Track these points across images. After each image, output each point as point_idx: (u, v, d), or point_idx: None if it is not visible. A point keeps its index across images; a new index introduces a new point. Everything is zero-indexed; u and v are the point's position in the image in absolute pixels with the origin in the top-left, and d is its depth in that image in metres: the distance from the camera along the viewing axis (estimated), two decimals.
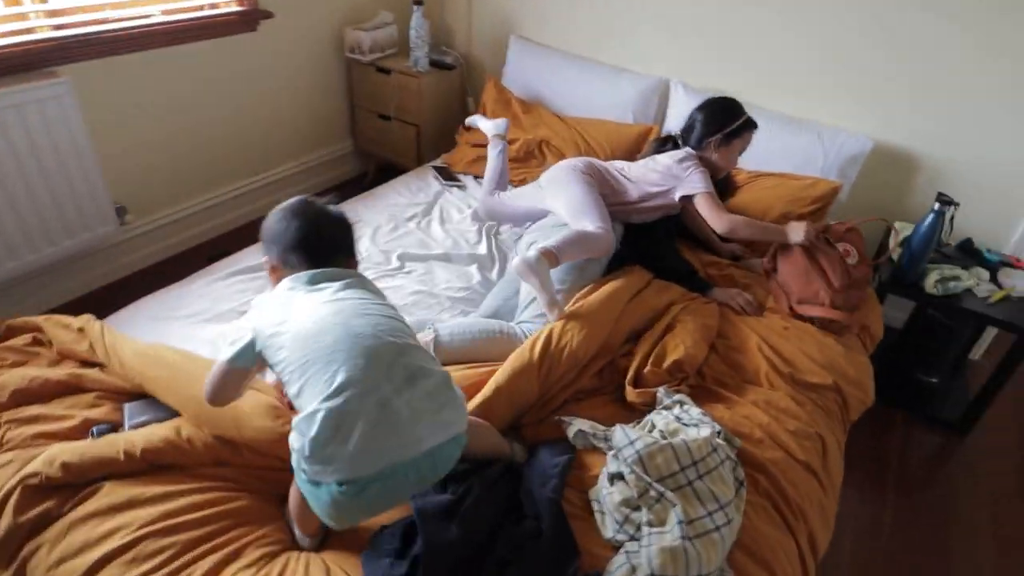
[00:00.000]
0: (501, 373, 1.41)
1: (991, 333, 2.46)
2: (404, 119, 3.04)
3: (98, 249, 2.36)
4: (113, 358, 1.40)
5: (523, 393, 1.41)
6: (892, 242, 2.18)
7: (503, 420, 1.39)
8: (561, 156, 2.56)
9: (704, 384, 1.61)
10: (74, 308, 2.32)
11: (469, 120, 2.55)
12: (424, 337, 1.57)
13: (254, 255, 2.00)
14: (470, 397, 1.39)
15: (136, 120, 2.35)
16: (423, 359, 1.13)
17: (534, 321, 1.68)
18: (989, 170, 2.19)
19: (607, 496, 1.22)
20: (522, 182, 2.54)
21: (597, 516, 1.23)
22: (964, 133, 2.18)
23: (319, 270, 1.17)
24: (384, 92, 3.03)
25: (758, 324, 1.83)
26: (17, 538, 1.10)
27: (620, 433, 1.27)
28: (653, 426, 1.38)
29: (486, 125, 2.42)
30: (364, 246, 2.11)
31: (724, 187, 2.17)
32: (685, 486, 1.18)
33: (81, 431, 1.28)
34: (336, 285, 1.16)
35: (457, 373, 1.44)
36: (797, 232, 1.89)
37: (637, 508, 1.18)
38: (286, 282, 1.17)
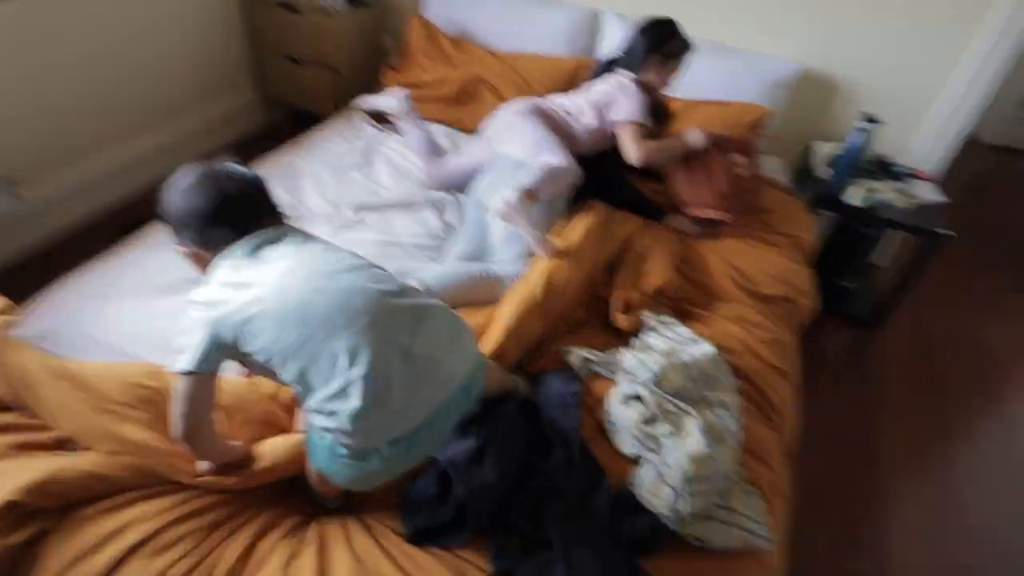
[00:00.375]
0: (508, 315, 1.41)
1: (895, 241, 2.73)
2: (319, 62, 2.83)
3: None
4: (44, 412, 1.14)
5: (530, 332, 1.43)
6: (818, 160, 2.35)
7: (513, 360, 1.40)
8: (498, 94, 2.50)
9: (679, 306, 1.69)
10: None
11: (361, 102, 2.35)
12: None
13: None
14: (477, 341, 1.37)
15: (9, 78, 2.02)
16: (416, 295, 1.10)
17: (514, 261, 1.68)
18: (891, 91, 2.38)
19: (622, 415, 1.27)
20: (458, 122, 2.47)
21: (611, 435, 1.28)
22: (873, 56, 2.35)
23: (252, 237, 1.04)
24: (293, 33, 2.79)
25: (713, 246, 1.93)
26: (8, 558, 0.97)
27: (631, 359, 1.31)
28: (649, 347, 1.44)
29: (387, 103, 2.28)
30: (311, 200, 1.99)
31: (660, 117, 2.22)
32: (699, 400, 1.25)
33: (63, 443, 1.14)
34: (283, 247, 1.05)
35: None
36: (695, 136, 2.01)
37: (652, 422, 1.24)
38: (222, 262, 1.03)
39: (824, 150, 2.38)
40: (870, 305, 2.45)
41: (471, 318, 1.49)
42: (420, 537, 1.08)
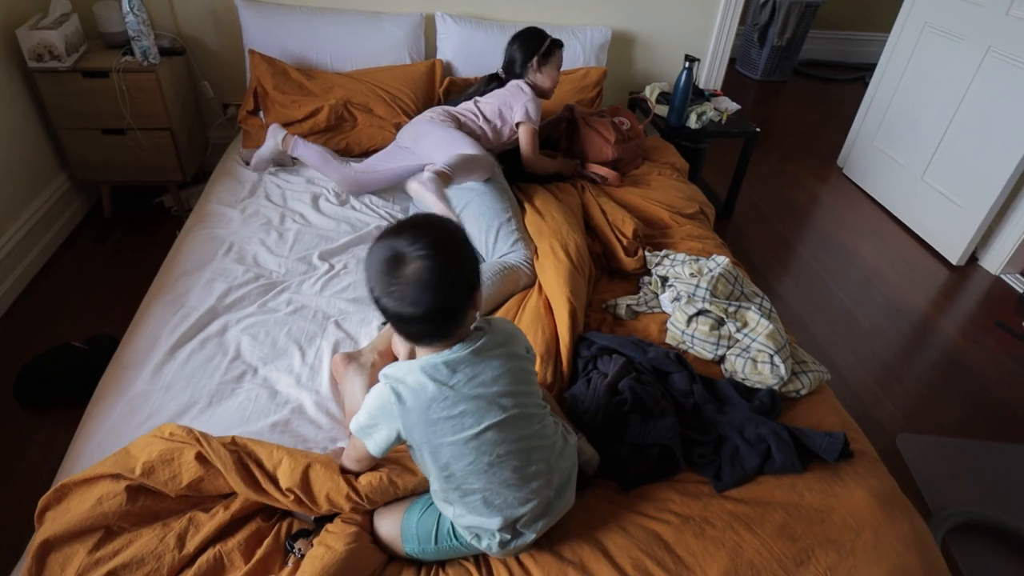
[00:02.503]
0: (561, 290, 1.59)
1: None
2: (148, 126, 2.53)
3: None
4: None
5: (583, 294, 1.64)
6: (650, 99, 2.85)
7: (582, 321, 1.60)
8: (371, 112, 2.54)
9: (649, 241, 2.03)
10: None
11: (246, 156, 2.32)
12: None
13: (149, 332, 1.62)
14: (551, 326, 1.55)
15: None
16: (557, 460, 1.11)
17: (514, 249, 1.84)
18: (676, 37, 2.98)
19: (694, 333, 1.57)
20: (345, 150, 2.47)
21: (691, 351, 1.58)
22: (648, 13, 2.90)
23: (456, 345, 0.99)
24: (105, 101, 2.44)
25: (632, 190, 2.30)
26: None
27: (682, 287, 1.61)
28: (667, 277, 1.76)
29: (271, 147, 2.27)
30: (271, 264, 1.88)
31: None
32: (741, 296, 1.61)
33: None
34: (472, 367, 0.99)
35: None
36: (568, 167, 2.35)
37: (720, 325, 1.56)
38: (428, 361, 0.98)
39: (654, 92, 2.89)
40: (721, 203, 3.08)
41: (517, 303, 1.67)
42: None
